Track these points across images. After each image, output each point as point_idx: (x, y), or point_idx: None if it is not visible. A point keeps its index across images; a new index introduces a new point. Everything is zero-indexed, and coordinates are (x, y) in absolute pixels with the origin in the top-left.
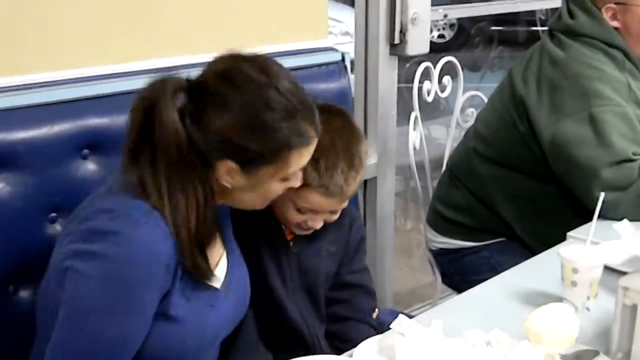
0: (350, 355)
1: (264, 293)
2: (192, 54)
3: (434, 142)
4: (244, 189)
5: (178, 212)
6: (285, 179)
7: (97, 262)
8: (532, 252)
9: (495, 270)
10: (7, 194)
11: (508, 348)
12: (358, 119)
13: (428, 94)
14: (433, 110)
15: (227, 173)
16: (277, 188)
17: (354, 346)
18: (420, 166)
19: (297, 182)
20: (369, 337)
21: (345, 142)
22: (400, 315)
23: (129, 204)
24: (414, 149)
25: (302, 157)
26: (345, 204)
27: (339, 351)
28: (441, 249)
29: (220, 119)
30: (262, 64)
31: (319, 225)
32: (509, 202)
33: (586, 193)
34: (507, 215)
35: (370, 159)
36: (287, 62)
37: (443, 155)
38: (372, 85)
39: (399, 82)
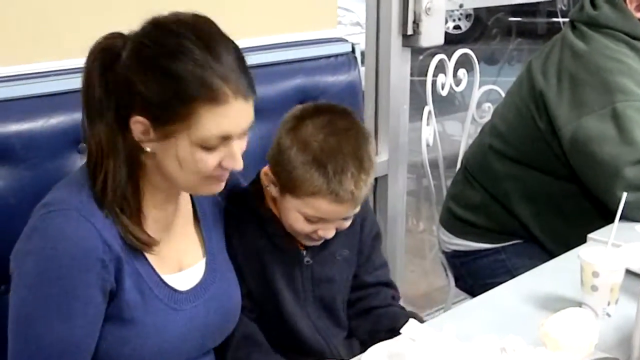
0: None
1: (275, 309)
2: None
3: (448, 138)
4: (165, 156)
5: (107, 183)
6: (206, 147)
7: (31, 261)
8: (550, 254)
9: (511, 273)
10: (1, 189)
11: (523, 354)
12: (368, 114)
13: (442, 87)
14: (447, 106)
15: (142, 132)
16: (201, 157)
17: (393, 332)
18: (434, 164)
19: (232, 162)
20: (404, 320)
21: (352, 143)
22: (411, 320)
23: (66, 195)
24: (427, 145)
25: (217, 120)
26: (357, 209)
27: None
28: (455, 251)
29: (125, 65)
30: (188, 22)
31: (330, 234)
32: (526, 201)
33: (608, 193)
34: (525, 215)
35: (381, 155)
36: (295, 53)
37: (457, 153)
38: (384, 78)
39: (411, 75)
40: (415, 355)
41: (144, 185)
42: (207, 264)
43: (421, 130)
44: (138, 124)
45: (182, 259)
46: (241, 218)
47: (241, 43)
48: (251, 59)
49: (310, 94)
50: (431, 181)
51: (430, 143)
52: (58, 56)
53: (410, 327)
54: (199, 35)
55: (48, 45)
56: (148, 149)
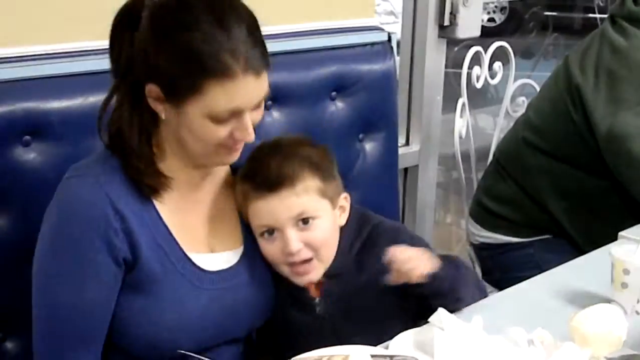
0: (386, 347)
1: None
2: None
3: (479, 132)
4: (178, 124)
5: (125, 145)
6: (216, 120)
7: (47, 226)
8: (581, 250)
9: (539, 268)
10: (40, 165)
11: (551, 348)
12: (402, 103)
13: (477, 80)
14: (479, 99)
15: (155, 99)
16: (211, 129)
17: None
18: (465, 156)
19: (243, 134)
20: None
21: None
22: (440, 309)
23: (89, 163)
24: (460, 137)
25: (227, 94)
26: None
27: None
28: (483, 244)
29: (141, 33)
30: None
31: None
32: (558, 196)
33: None
34: (556, 210)
35: (413, 146)
36: (331, 40)
37: (488, 146)
38: (418, 69)
39: (445, 67)
40: (443, 345)
41: (163, 148)
42: (243, 252)
43: (452, 123)
44: (151, 92)
45: (215, 242)
46: None
47: (278, 29)
48: (287, 45)
49: (345, 82)
50: (462, 173)
51: (463, 135)
52: (99, 35)
53: (439, 317)
54: (212, 7)
55: (89, 24)
56: (162, 116)
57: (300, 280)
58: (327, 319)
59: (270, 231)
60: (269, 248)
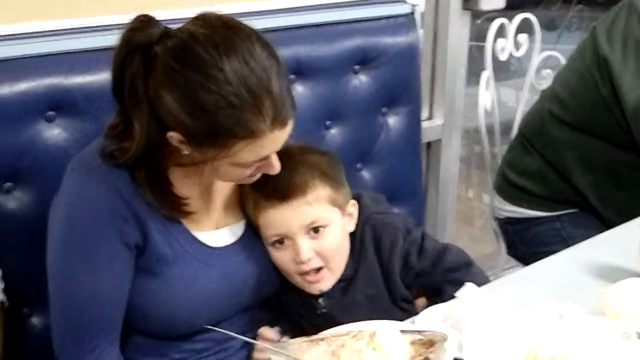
0: (413, 322)
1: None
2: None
3: (502, 105)
4: (205, 162)
5: (132, 153)
6: (244, 166)
7: (57, 219)
8: (607, 224)
9: (566, 242)
10: (63, 141)
11: (582, 323)
12: (425, 77)
13: (502, 52)
14: (502, 72)
15: (178, 142)
16: (237, 172)
17: None
18: (488, 130)
19: (270, 170)
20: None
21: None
22: (469, 284)
23: (91, 155)
24: (485, 111)
25: (253, 149)
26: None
27: None
28: (508, 218)
29: (157, 79)
30: (220, 37)
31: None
32: (585, 170)
33: None
34: (583, 184)
35: (436, 120)
36: (354, 13)
37: (511, 120)
38: (442, 41)
39: (469, 39)
40: (471, 319)
41: (172, 161)
42: (246, 224)
43: (475, 96)
44: (173, 138)
45: (221, 218)
46: None
47: (301, 2)
48: (310, 19)
49: (368, 55)
50: (487, 147)
51: (488, 109)
52: (122, 10)
53: (467, 291)
54: (236, 57)
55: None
56: (185, 152)
57: (312, 289)
58: (330, 316)
59: (281, 240)
60: (280, 257)
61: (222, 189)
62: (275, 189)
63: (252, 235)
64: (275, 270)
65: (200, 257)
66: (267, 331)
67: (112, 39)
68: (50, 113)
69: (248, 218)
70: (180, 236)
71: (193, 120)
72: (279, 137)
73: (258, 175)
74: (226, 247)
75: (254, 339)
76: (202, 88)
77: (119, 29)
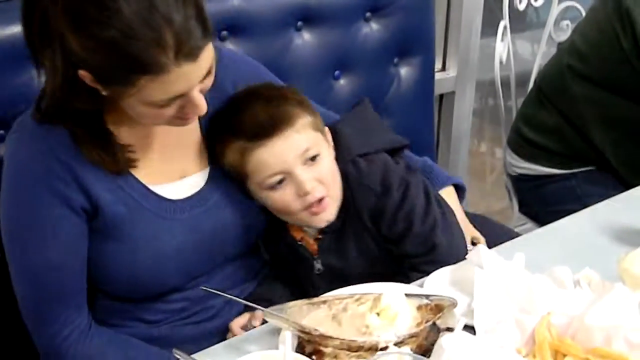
0: (421, 285)
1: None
2: None
3: (518, 57)
4: (122, 103)
5: (64, 105)
6: (159, 105)
7: (1, 187)
8: (625, 184)
9: (581, 201)
10: None
11: (599, 290)
12: (439, 26)
13: (520, 1)
14: (519, 23)
15: (91, 82)
16: (156, 112)
17: None
18: (504, 83)
19: (193, 109)
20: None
21: None
22: (480, 245)
23: (25, 117)
24: (500, 62)
25: (162, 86)
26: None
27: None
28: (522, 175)
29: (56, 15)
30: None
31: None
32: (604, 127)
33: None
34: (601, 141)
35: (449, 71)
36: None
37: (527, 73)
38: None
39: None
40: (483, 284)
41: (108, 109)
42: (209, 172)
43: (490, 48)
44: (85, 76)
45: (179, 169)
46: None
47: None
48: None
49: (380, 2)
50: (502, 100)
51: (504, 60)
52: None
53: (478, 253)
54: None
55: None
56: (104, 93)
57: (318, 221)
58: (326, 276)
59: (280, 180)
60: (282, 197)
61: (181, 136)
62: (260, 126)
63: (218, 183)
64: (250, 215)
65: (159, 211)
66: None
67: None
68: None
69: (212, 166)
70: (135, 192)
71: (94, 57)
72: (190, 71)
73: (192, 119)
74: (187, 198)
75: (242, 293)
76: (96, 22)
77: None
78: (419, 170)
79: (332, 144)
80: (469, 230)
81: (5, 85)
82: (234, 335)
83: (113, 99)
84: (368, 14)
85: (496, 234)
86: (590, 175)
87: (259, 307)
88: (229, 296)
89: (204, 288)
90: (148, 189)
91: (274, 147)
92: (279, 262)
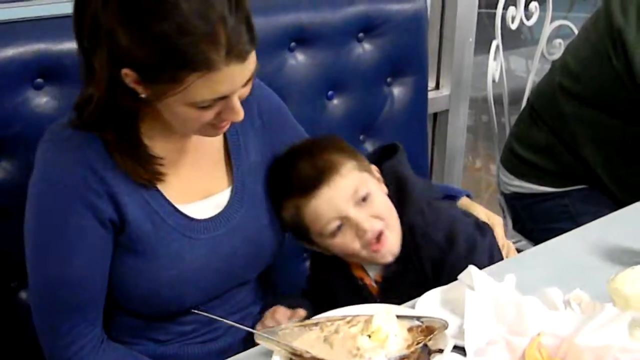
0: (412, 306)
1: None
2: None
3: (511, 74)
4: (160, 105)
5: (102, 116)
6: (201, 107)
7: (30, 193)
8: (618, 202)
9: (574, 220)
10: (53, 108)
11: (590, 310)
12: (432, 46)
13: (512, 20)
14: (512, 40)
15: (133, 82)
16: (195, 115)
17: None
18: (496, 100)
19: (231, 115)
20: None
21: None
22: (471, 266)
23: (61, 126)
24: (493, 81)
25: (210, 85)
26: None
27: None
28: (515, 193)
29: (108, 10)
30: None
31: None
32: (596, 145)
33: None
34: (593, 160)
35: (443, 90)
36: None
37: (521, 89)
38: (450, 9)
39: (479, 6)
40: (473, 305)
41: (144, 119)
42: (232, 192)
43: (483, 65)
44: (127, 76)
45: (204, 188)
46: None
47: None
48: None
49: (373, 22)
50: (494, 118)
51: (497, 79)
52: None
53: (469, 274)
54: None
55: None
56: (143, 96)
57: (382, 257)
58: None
59: (339, 226)
60: (343, 241)
61: (207, 154)
62: (307, 180)
63: (240, 203)
64: (270, 238)
65: (184, 230)
66: (278, 313)
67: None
68: (39, 80)
69: (235, 185)
70: (162, 209)
71: (144, 52)
72: (237, 73)
73: (224, 127)
74: (211, 218)
75: (247, 317)
76: (152, 15)
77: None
78: (487, 226)
79: (381, 179)
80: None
81: (1, 106)
82: (264, 324)
83: (149, 104)
84: (361, 35)
85: None
86: (583, 193)
87: (250, 329)
88: (224, 320)
89: (196, 311)
90: (174, 207)
91: (324, 197)
92: (322, 287)
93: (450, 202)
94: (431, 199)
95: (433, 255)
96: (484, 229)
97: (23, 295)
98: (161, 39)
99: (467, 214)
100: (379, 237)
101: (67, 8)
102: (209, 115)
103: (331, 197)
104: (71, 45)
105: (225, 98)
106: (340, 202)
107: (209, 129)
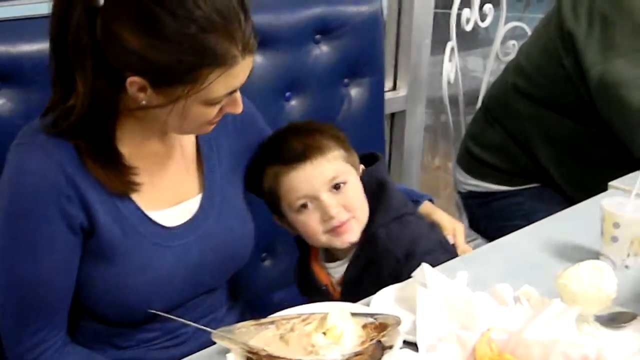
0: (367, 304)
1: None
2: None
3: (469, 74)
4: (163, 109)
5: (77, 123)
6: (211, 103)
7: (1, 195)
8: (569, 200)
9: (527, 217)
10: (9, 111)
11: (538, 306)
12: (389, 47)
13: (467, 22)
14: (470, 40)
15: (137, 90)
16: (204, 112)
17: None
18: (453, 100)
19: (234, 108)
20: None
21: None
22: (424, 264)
23: (35, 129)
24: (448, 82)
25: (226, 80)
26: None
27: None
28: (470, 192)
29: (130, 31)
30: None
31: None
32: (547, 144)
33: (633, 140)
34: (545, 159)
35: (400, 90)
36: None
37: (477, 89)
38: (407, 11)
39: (435, 7)
40: (425, 302)
41: (121, 127)
42: (202, 199)
43: (441, 65)
44: (133, 84)
45: (174, 194)
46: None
47: None
48: None
49: (330, 25)
50: (450, 119)
51: (452, 80)
52: None
53: (422, 272)
54: None
55: None
56: (143, 103)
57: (341, 242)
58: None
59: (305, 204)
60: (307, 220)
61: (179, 161)
62: (293, 153)
63: (211, 210)
64: (239, 244)
65: (154, 238)
66: None
67: None
68: None
69: (206, 192)
70: (132, 216)
71: (159, 54)
72: (248, 66)
73: (217, 121)
74: (181, 225)
75: (212, 321)
76: (168, 14)
77: None
78: (452, 246)
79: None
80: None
81: None
82: None
83: (145, 110)
84: (318, 37)
85: None
86: (536, 191)
87: (207, 329)
88: (182, 320)
89: (154, 311)
90: (145, 215)
91: (303, 172)
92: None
93: (419, 217)
94: (403, 214)
95: (391, 267)
96: (447, 248)
97: None
98: (177, 39)
99: (434, 230)
100: (345, 221)
101: (24, 11)
102: (214, 111)
103: (310, 175)
104: (29, 47)
105: (234, 91)
106: (316, 182)
107: (206, 126)
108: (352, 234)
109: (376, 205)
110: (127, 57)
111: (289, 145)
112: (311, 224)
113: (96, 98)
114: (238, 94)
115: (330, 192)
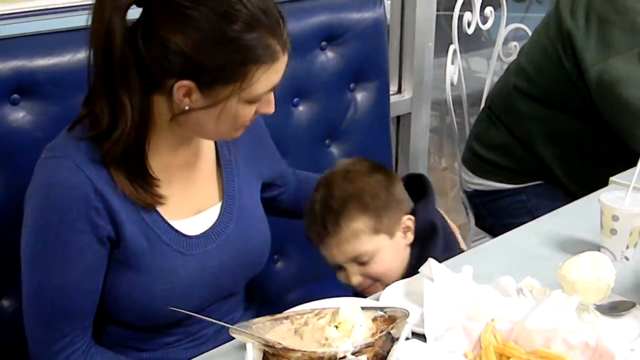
0: (377, 299)
1: None
2: None
3: (472, 75)
4: (206, 112)
5: (111, 140)
6: (252, 101)
7: (29, 207)
8: (572, 196)
9: (532, 214)
10: (28, 124)
11: (540, 296)
12: (393, 51)
13: (468, 25)
14: (473, 41)
15: (184, 95)
16: (244, 111)
17: None
18: (457, 102)
19: (269, 107)
20: None
21: None
22: (430, 259)
23: (65, 142)
24: (452, 84)
25: (269, 76)
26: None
27: None
28: (476, 191)
29: (178, 34)
30: None
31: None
32: (549, 142)
33: (632, 136)
34: (547, 156)
35: (405, 93)
36: None
37: (482, 90)
38: (409, 14)
39: (437, 10)
40: (432, 295)
41: (151, 139)
42: (222, 207)
43: (445, 67)
44: (181, 88)
45: (196, 203)
46: None
47: None
48: None
49: (334, 32)
50: (454, 119)
51: (455, 82)
52: None
53: (429, 267)
54: None
55: None
56: (186, 108)
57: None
58: None
59: (337, 267)
60: (340, 277)
61: (201, 170)
62: (316, 230)
63: (230, 217)
64: (256, 251)
65: (177, 246)
66: None
67: (76, 20)
68: (15, 96)
69: (225, 201)
70: (157, 227)
71: (210, 54)
72: (285, 63)
73: (250, 124)
74: (202, 234)
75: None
76: (220, 16)
77: (84, 9)
78: None
79: (412, 228)
80: None
81: None
82: None
83: (183, 116)
84: (324, 43)
85: None
86: (539, 189)
87: (226, 324)
88: (203, 317)
89: (174, 308)
90: (169, 225)
91: (326, 249)
92: None
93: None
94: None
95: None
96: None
97: (4, 303)
98: (230, 38)
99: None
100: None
101: (40, 26)
102: (253, 110)
103: (332, 252)
104: (45, 62)
105: (272, 90)
106: (338, 259)
107: (240, 129)
108: (377, 291)
109: (425, 248)
110: (175, 61)
111: (314, 218)
112: (344, 281)
113: (141, 113)
114: (272, 94)
115: (354, 263)
